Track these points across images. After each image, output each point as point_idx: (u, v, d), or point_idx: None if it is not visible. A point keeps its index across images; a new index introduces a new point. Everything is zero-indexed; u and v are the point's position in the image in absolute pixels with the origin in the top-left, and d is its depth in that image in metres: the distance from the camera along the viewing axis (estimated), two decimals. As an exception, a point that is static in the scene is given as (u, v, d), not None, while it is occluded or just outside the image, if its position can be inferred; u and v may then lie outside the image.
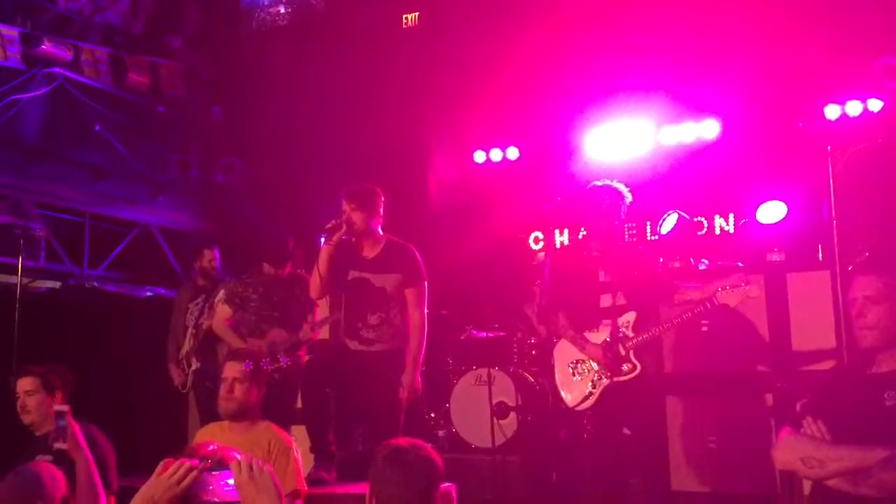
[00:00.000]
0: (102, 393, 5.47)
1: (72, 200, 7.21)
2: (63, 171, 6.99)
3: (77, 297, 7.09)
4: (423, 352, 4.85)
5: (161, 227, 8.02)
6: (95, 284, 7.29)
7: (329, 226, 4.80)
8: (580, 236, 7.77)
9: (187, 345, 6.44)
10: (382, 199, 4.90)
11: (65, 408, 3.40)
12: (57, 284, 7.15)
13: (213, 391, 6.01)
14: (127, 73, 7.06)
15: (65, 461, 3.27)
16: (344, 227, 4.74)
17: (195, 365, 6.37)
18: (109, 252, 7.56)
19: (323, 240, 4.90)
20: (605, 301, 4.67)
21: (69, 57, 6.63)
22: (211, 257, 6.57)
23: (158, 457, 2.44)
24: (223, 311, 5.72)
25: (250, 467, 2.22)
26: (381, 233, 4.92)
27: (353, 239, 4.86)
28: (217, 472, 2.23)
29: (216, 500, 2.21)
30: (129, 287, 7.70)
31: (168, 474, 2.22)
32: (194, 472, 2.22)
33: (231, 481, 2.22)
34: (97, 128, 6.95)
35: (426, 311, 4.91)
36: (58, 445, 3.34)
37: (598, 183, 4.82)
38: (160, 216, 7.95)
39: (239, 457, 2.45)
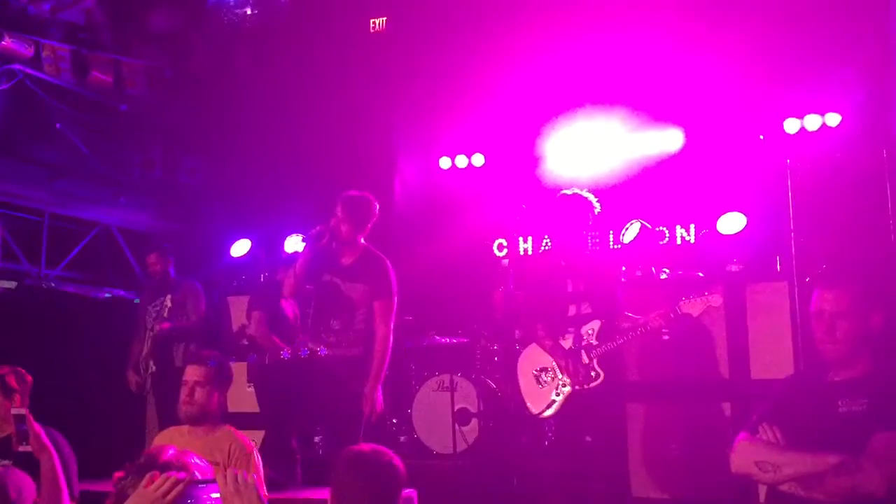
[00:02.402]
0: (59, 396, 5.37)
1: (30, 199, 7.09)
2: (22, 170, 6.86)
3: (34, 297, 6.97)
4: (385, 366, 4.84)
5: (121, 228, 7.91)
6: (53, 285, 7.17)
7: (314, 231, 4.82)
8: (543, 244, 7.82)
9: (146, 347, 6.39)
10: (376, 215, 4.92)
11: (23, 411, 3.36)
12: (13, 284, 7.01)
13: (170, 394, 6.03)
14: (89, 71, 6.95)
15: (30, 464, 3.24)
16: (328, 235, 4.76)
17: (152, 368, 6.34)
18: (68, 252, 7.45)
19: (304, 242, 4.92)
20: (572, 310, 4.70)
21: (30, 53, 6.52)
22: (153, 261, 6.57)
23: (116, 461, 2.41)
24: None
25: (236, 479, 2.21)
26: (361, 242, 4.93)
27: (333, 244, 4.87)
28: (203, 485, 2.21)
29: None
30: (88, 288, 7.58)
31: (154, 487, 2.20)
32: (180, 485, 2.20)
33: (216, 495, 2.21)
34: (58, 126, 6.84)
35: (392, 325, 4.90)
36: (22, 448, 3.30)
37: (568, 192, 4.84)
38: (121, 217, 7.84)
39: (198, 461, 2.43)
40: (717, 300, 4.48)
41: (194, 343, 6.27)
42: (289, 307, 6.02)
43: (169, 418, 6.04)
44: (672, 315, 4.50)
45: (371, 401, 4.74)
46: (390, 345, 4.86)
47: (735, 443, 2.97)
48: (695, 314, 4.48)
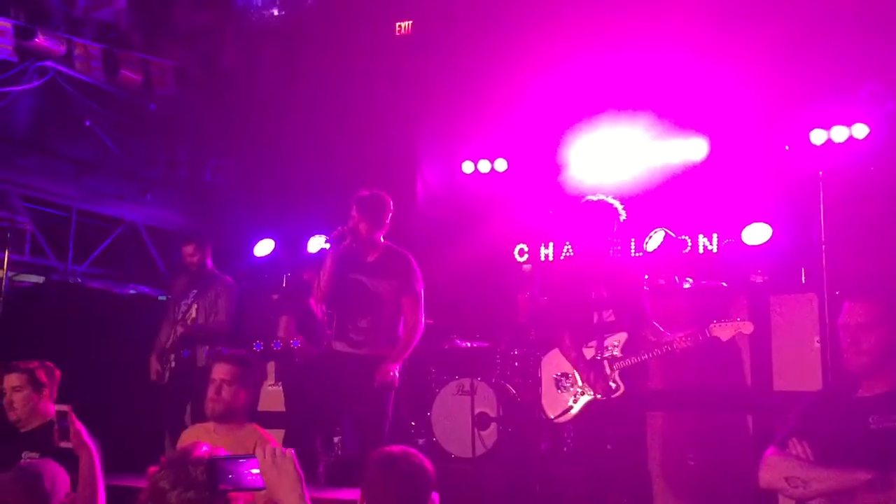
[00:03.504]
0: (83, 391, 5.43)
1: (59, 195, 7.19)
2: (51, 166, 6.97)
3: (60, 292, 7.04)
4: (409, 350, 4.90)
5: (147, 225, 7.99)
6: (79, 280, 7.25)
7: (335, 233, 4.85)
8: (565, 251, 7.82)
9: (171, 339, 6.33)
10: (391, 210, 4.95)
11: (66, 407, 3.42)
12: (40, 279, 7.10)
13: (186, 392, 6.06)
14: (119, 70, 7.04)
15: (70, 460, 3.29)
16: (349, 236, 4.80)
17: (172, 363, 6.29)
18: (94, 248, 7.53)
19: (327, 245, 4.95)
20: (595, 317, 4.69)
21: (62, 51, 6.60)
22: (190, 252, 6.39)
23: (136, 455, 2.44)
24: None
25: (274, 453, 2.28)
26: (381, 240, 4.97)
27: (355, 245, 4.90)
28: (243, 460, 2.26)
29: (239, 486, 2.25)
30: (113, 284, 7.66)
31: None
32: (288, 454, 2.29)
33: (256, 470, 2.27)
34: (87, 123, 6.92)
35: (423, 318, 4.95)
36: (63, 444, 3.36)
37: (593, 198, 4.83)
38: (147, 214, 7.93)
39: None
40: (748, 327, 4.42)
41: (221, 343, 6.26)
42: (318, 307, 6.04)
43: (178, 413, 6.11)
44: (701, 337, 4.44)
45: (386, 371, 4.73)
46: (419, 335, 4.92)
47: (764, 457, 2.96)
48: (724, 339, 4.40)
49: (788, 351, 5.43)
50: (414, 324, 4.90)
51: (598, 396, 4.55)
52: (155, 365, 6.36)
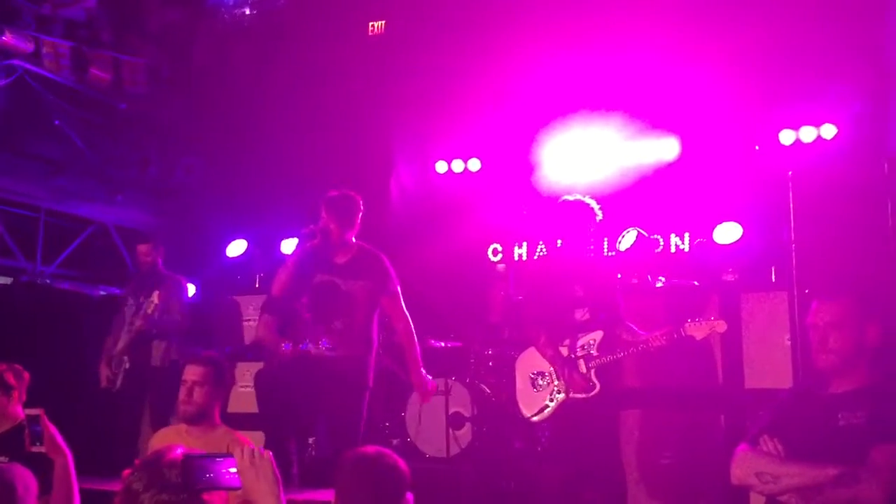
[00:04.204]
0: (51, 393, 5.36)
1: (27, 195, 7.08)
2: (19, 165, 6.86)
3: (29, 293, 6.95)
4: (419, 349, 5.05)
5: (117, 226, 7.90)
6: (48, 282, 7.15)
7: (306, 230, 4.84)
8: (538, 250, 7.85)
9: (122, 342, 6.19)
10: (361, 210, 4.94)
11: (37, 411, 3.36)
12: (8, 280, 7.00)
13: (144, 394, 5.98)
14: (89, 68, 6.95)
15: (42, 464, 3.24)
16: (319, 235, 4.79)
17: (126, 364, 6.14)
18: (64, 249, 7.44)
19: (297, 241, 4.95)
20: (570, 316, 4.71)
21: (30, 49, 6.51)
22: (145, 252, 6.39)
23: (108, 458, 2.41)
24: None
25: (252, 453, 2.28)
26: (353, 240, 4.95)
27: (326, 246, 4.89)
28: (220, 459, 2.25)
29: (216, 485, 2.23)
30: (83, 285, 7.57)
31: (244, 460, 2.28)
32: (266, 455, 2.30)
33: (233, 470, 2.26)
34: (56, 122, 6.82)
35: (407, 313, 5.02)
36: (35, 449, 3.30)
37: (570, 197, 4.85)
38: (117, 214, 7.84)
39: None
40: (721, 326, 4.46)
41: (175, 342, 6.20)
42: (304, 308, 5.98)
43: (133, 417, 6.03)
44: (675, 336, 4.47)
45: (423, 386, 5.00)
46: (413, 330, 5.04)
47: (735, 454, 3.01)
48: (698, 338, 4.43)
49: (759, 349, 5.51)
50: (405, 324, 5.00)
51: (575, 394, 4.57)
52: (105, 371, 6.20)
